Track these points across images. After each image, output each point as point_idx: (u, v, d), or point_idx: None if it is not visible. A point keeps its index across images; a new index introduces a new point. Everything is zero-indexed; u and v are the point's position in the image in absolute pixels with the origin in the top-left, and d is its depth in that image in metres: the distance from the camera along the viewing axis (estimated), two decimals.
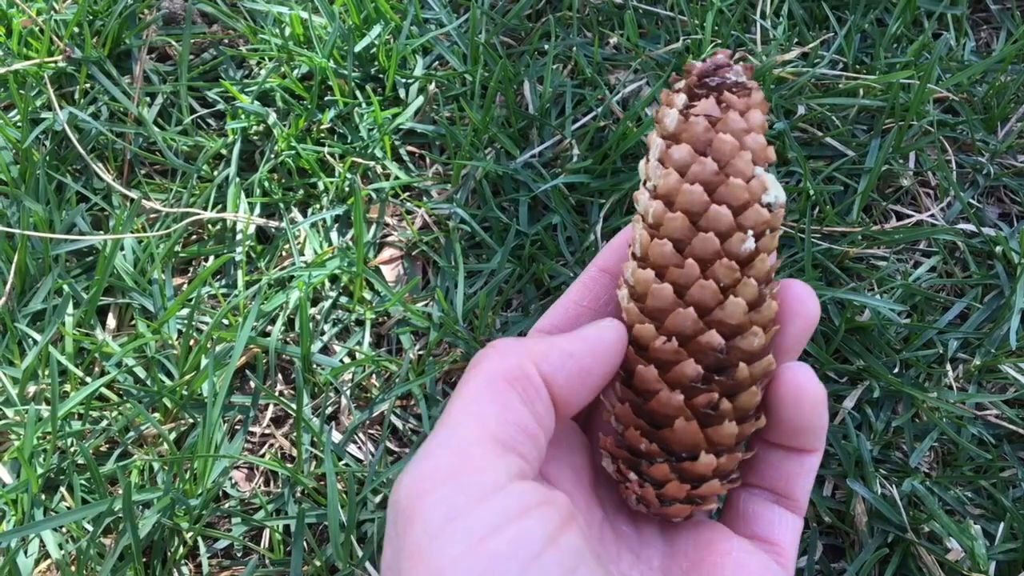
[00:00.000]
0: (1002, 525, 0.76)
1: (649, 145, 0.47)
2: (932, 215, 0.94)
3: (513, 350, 0.43)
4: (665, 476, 0.46)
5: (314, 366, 0.86)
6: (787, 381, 0.47)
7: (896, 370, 0.84)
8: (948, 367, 0.84)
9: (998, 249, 0.90)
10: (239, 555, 0.79)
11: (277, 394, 0.85)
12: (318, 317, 0.89)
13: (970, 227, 0.92)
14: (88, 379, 0.85)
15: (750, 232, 0.45)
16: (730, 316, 0.45)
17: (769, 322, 0.47)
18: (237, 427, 0.84)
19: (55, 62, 1.01)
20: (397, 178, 0.96)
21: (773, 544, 0.48)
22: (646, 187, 0.47)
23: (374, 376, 0.87)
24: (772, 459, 0.49)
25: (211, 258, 0.93)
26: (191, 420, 0.83)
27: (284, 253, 0.93)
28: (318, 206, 0.95)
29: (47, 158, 0.95)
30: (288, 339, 0.88)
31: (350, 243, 0.93)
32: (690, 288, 0.45)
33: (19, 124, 0.97)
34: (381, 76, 1.02)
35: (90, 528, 0.77)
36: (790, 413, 0.47)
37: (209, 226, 0.95)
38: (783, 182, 0.93)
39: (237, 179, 0.95)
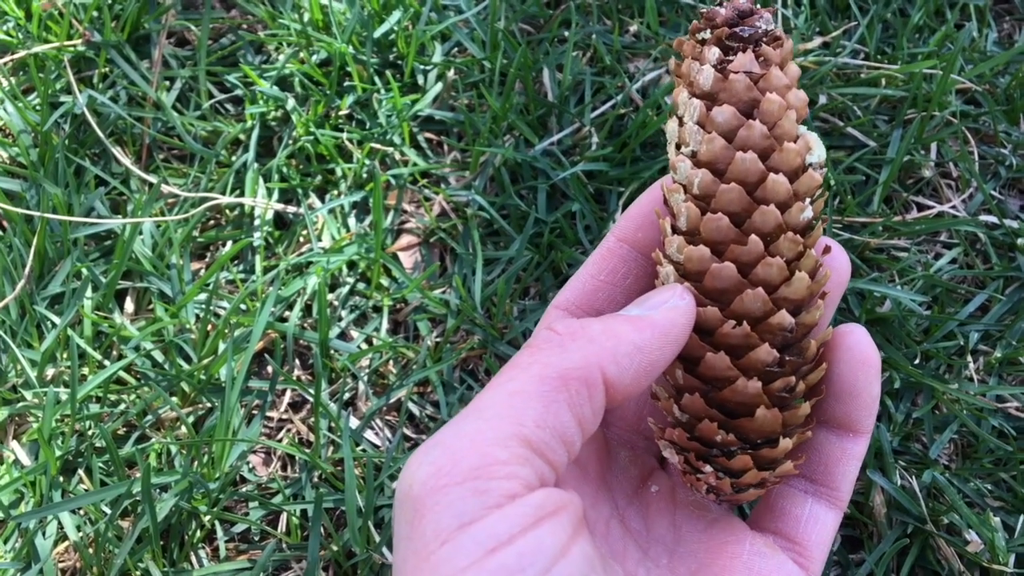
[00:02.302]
0: (1022, 517, 0.76)
1: (676, 104, 0.44)
2: (953, 206, 0.93)
3: (579, 347, 0.40)
4: (746, 466, 0.44)
5: (332, 352, 0.86)
6: (843, 342, 0.45)
7: (916, 361, 0.83)
8: (969, 359, 0.84)
9: (1020, 241, 0.89)
10: (256, 539, 0.80)
11: (295, 379, 0.85)
12: (336, 303, 0.89)
13: (992, 219, 0.91)
14: (106, 362, 0.85)
15: (808, 200, 0.43)
16: (795, 292, 0.43)
17: (822, 290, 0.45)
18: (255, 412, 0.84)
19: (74, 46, 1.01)
20: (415, 164, 0.96)
21: (796, 543, 0.46)
22: (682, 152, 0.44)
23: (391, 362, 0.87)
24: (812, 441, 0.47)
25: (229, 243, 0.93)
26: (209, 404, 0.84)
27: (302, 239, 0.93)
28: (336, 192, 0.95)
29: (66, 142, 0.95)
30: (306, 325, 0.88)
31: (368, 229, 0.93)
32: (756, 267, 0.42)
33: (39, 107, 0.98)
34: (400, 62, 1.02)
35: (108, 511, 0.77)
36: (845, 378, 0.45)
37: (227, 211, 0.95)
38: None
39: (255, 164, 0.95)
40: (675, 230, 0.45)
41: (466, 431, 0.37)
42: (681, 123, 0.44)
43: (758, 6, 0.44)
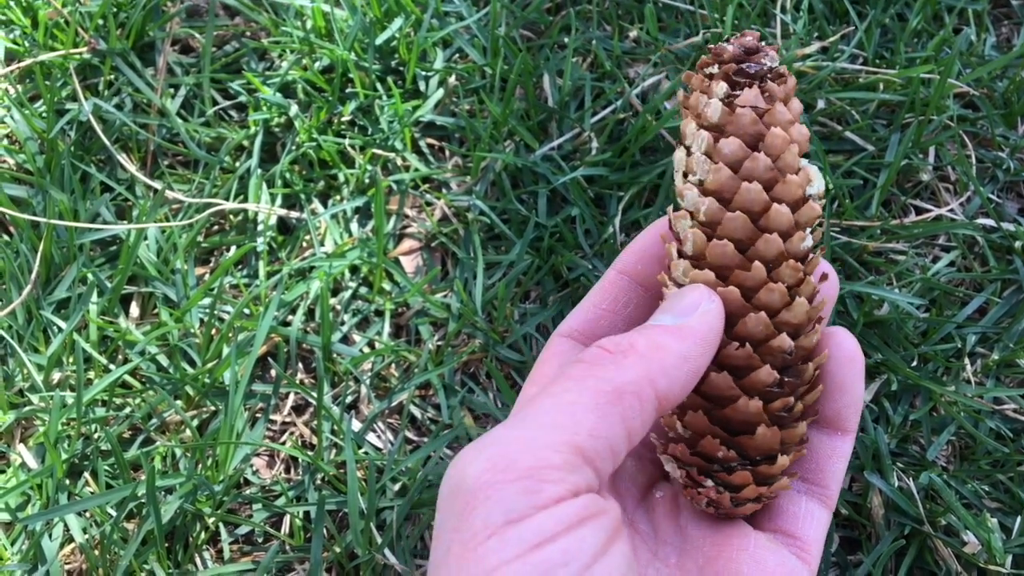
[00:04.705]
0: (1019, 519, 0.76)
1: (684, 135, 0.46)
2: (951, 210, 0.94)
3: (632, 364, 0.41)
4: (745, 481, 0.46)
5: (334, 355, 0.87)
6: (829, 342, 0.47)
7: (914, 364, 0.84)
8: (966, 361, 0.84)
9: (1017, 244, 0.90)
10: (260, 541, 0.80)
11: (298, 383, 0.86)
12: (338, 307, 0.90)
13: (989, 222, 0.92)
14: (112, 366, 0.86)
15: (808, 230, 0.45)
16: (795, 316, 0.45)
17: (819, 315, 0.47)
18: (258, 415, 0.85)
19: (80, 54, 1.02)
20: (417, 170, 0.96)
21: (796, 539, 0.48)
22: (689, 180, 0.46)
23: (393, 366, 0.87)
24: None
25: (233, 248, 0.94)
26: (213, 408, 0.84)
27: (305, 244, 0.94)
28: (338, 197, 0.96)
29: (72, 148, 0.96)
30: (308, 328, 0.89)
31: (370, 234, 0.94)
32: (758, 292, 0.45)
33: (45, 115, 0.99)
34: (402, 69, 1.03)
35: (113, 513, 0.78)
36: (833, 375, 0.47)
37: (231, 216, 0.96)
38: None
39: (259, 170, 0.96)
40: (681, 254, 0.47)
41: (523, 435, 0.39)
42: (689, 152, 0.46)
43: (763, 43, 0.46)
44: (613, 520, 0.39)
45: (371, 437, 0.84)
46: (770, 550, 0.47)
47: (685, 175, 0.47)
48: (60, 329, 0.87)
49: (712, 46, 0.46)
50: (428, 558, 0.78)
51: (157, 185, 0.95)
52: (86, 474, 0.82)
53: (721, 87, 0.45)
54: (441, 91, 1.00)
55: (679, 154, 0.47)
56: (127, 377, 0.85)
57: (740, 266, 0.45)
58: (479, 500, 0.37)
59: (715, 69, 0.46)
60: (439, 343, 0.88)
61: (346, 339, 0.89)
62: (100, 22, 1.04)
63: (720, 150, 0.44)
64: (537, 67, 1.00)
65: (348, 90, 1.01)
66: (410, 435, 0.85)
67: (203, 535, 0.79)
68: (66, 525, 0.78)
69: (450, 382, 0.86)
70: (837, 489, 0.49)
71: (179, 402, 0.85)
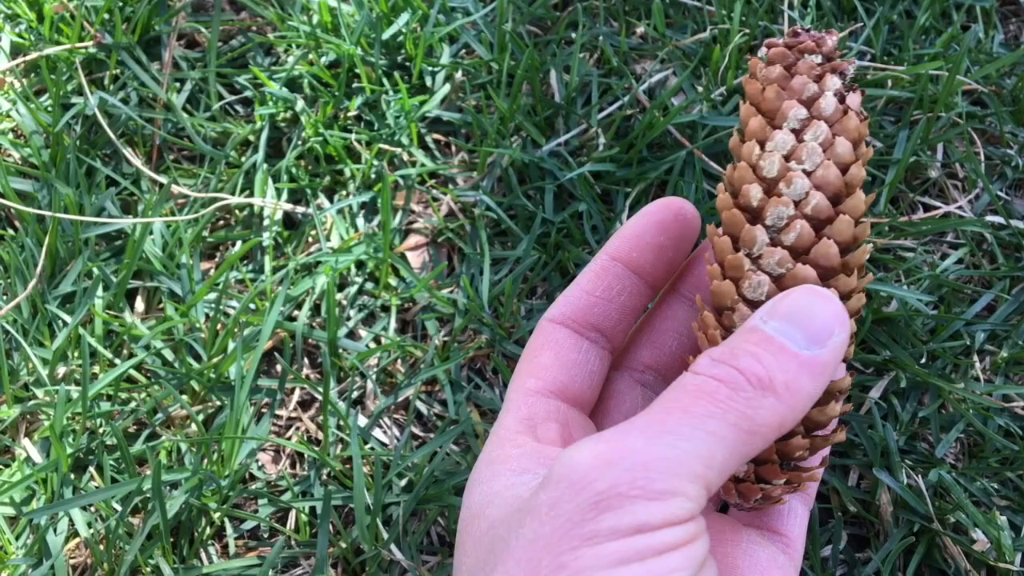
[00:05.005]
0: None
1: (782, 113, 0.45)
2: (960, 207, 0.93)
3: (771, 406, 0.41)
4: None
5: (340, 351, 0.87)
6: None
7: (923, 361, 0.84)
8: (975, 358, 0.84)
9: None
10: (265, 536, 0.80)
11: (304, 378, 0.86)
12: (344, 302, 0.90)
13: (998, 219, 0.92)
14: (117, 361, 0.86)
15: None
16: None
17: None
18: (264, 410, 0.85)
19: (86, 48, 1.02)
20: (423, 165, 0.96)
21: (781, 535, 0.49)
22: (790, 164, 0.45)
23: (399, 361, 0.87)
24: None
25: (238, 243, 0.94)
26: (219, 402, 0.84)
27: (311, 239, 0.94)
28: (345, 192, 0.96)
29: (77, 142, 0.96)
30: (314, 324, 0.89)
31: (376, 229, 0.93)
32: (849, 299, 0.46)
33: (50, 109, 0.98)
34: (408, 64, 1.03)
35: (119, 507, 0.78)
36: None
37: (237, 211, 0.96)
38: None
39: (265, 165, 0.96)
40: (776, 243, 0.45)
41: (664, 455, 0.39)
42: (800, 138, 0.45)
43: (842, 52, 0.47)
44: (708, 540, 0.41)
45: (377, 432, 0.84)
46: (760, 545, 0.48)
47: (787, 156, 0.45)
48: (65, 323, 0.87)
49: (809, 30, 0.46)
50: (437, 554, 0.78)
51: (163, 179, 0.95)
52: (91, 468, 0.81)
53: (835, 82, 0.45)
54: (448, 86, 1.00)
55: (781, 136, 0.45)
56: (132, 371, 0.85)
57: (840, 271, 0.45)
58: (613, 507, 0.38)
59: (818, 59, 0.45)
60: (445, 338, 0.88)
61: (352, 334, 0.89)
62: (106, 16, 1.03)
63: (835, 148, 0.44)
64: (544, 63, 0.99)
65: (354, 85, 1.01)
66: (416, 431, 0.84)
67: (208, 530, 0.79)
68: (71, 519, 0.78)
69: (456, 378, 0.85)
70: (814, 488, 0.51)
71: (184, 397, 0.84)
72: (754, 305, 0.44)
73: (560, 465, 0.39)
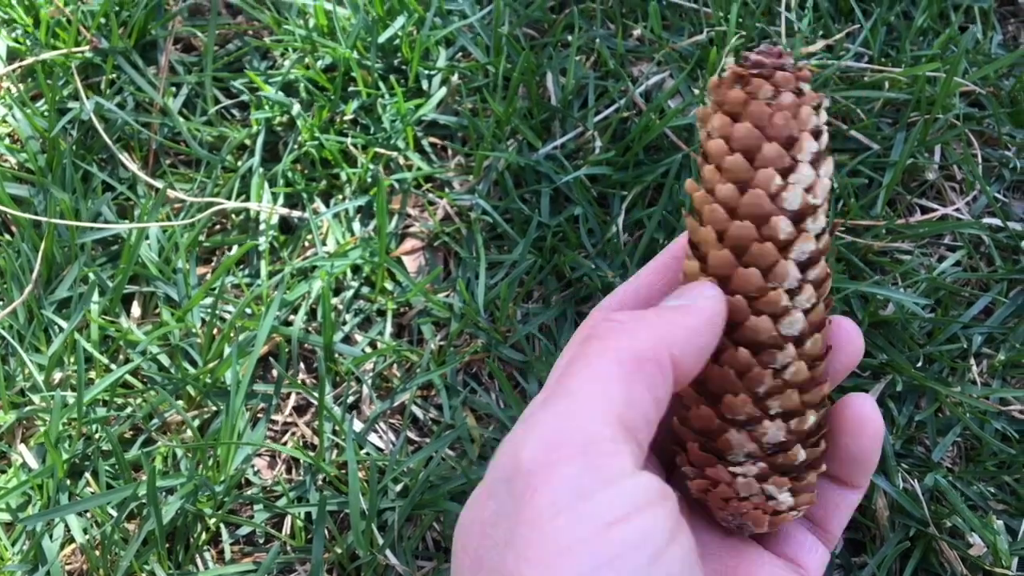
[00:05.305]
0: None
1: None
2: (957, 209, 0.93)
3: (644, 330, 0.41)
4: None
5: (336, 355, 0.87)
6: (850, 410, 0.47)
7: (919, 364, 0.83)
8: (972, 362, 0.84)
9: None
10: (261, 541, 0.80)
11: (299, 383, 0.86)
12: (340, 307, 0.89)
13: (996, 221, 0.91)
14: (113, 366, 0.86)
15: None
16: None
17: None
18: (260, 415, 0.85)
19: (82, 52, 1.02)
20: (419, 169, 0.96)
21: (800, 567, 0.48)
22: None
23: (395, 366, 0.87)
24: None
25: (235, 247, 0.94)
26: (214, 408, 0.84)
27: (307, 243, 0.94)
28: (341, 196, 0.96)
29: (74, 147, 0.96)
30: (310, 328, 0.89)
31: (372, 233, 0.93)
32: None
33: (46, 113, 0.99)
34: (404, 67, 1.03)
35: (114, 513, 0.78)
36: (848, 441, 0.46)
37: (233, 216, 0.96)
38: None
39: (261, 169, 0.96)
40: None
41: (565, 411, 0.38)
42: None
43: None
44: (675, 505, 0.38)
45: (373, 437, 0.84)
46: (781, 567, 0.47)
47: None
48: (61, 329, 0.87)
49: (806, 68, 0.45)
50: (433, 559, 0.78)
51: (159, 184, 0.95)
52: (87, 474, 0.81)
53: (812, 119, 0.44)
54: (444, 90, 1.00)
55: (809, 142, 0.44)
56: (128, 377, 0.85)
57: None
58: (541, 481, 0.36)
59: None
60: (441, 343, 0.88)
61: (348, 339, 0.89)
62: (102, 21, 1.03)
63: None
64: (540, 66, 0.99)
65: (350, 89, 1.01)
66: (412, 435, 0.84)
67: (204, 536, 0.79)
68: (67, 525, 0.78)
69: (452, 382, 0.85)
70: (839, 534, 0.50)
71: (180, 402, 0.84)
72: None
73: (492, 469, 0.39)
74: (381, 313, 0.90)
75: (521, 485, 0.36)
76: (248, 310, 0.88)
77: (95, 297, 0.88)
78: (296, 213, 0.95)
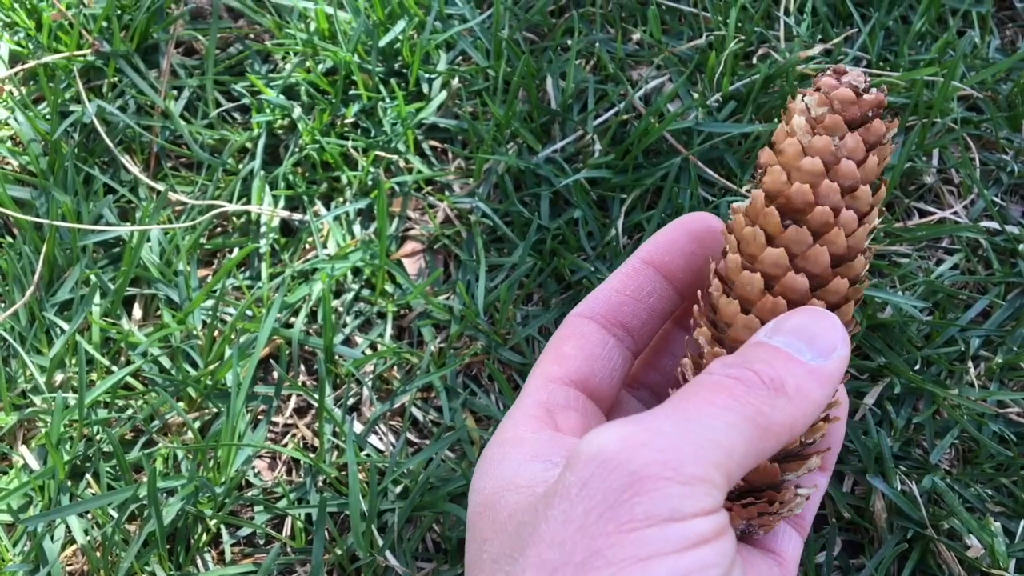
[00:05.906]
0: (1022, 523, 0.76)
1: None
2: (955, 213, 0.94)
3: (783, 406, 0.42)
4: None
5: (336, 357, 0.87)
6: None
7: (917, 367, 0.84)
8: (970, 364, 0.84)
9: (1021, 247, 0.90)
10: (261, 543, 0.80)
11: (300, 385, 0.86)
12: (340, 309, 0.90)
13: (993, 225, 0.92)
14: (114, 368, 0.86)
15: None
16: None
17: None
18: (260, 417, 0.85)
19: (84, 56, 1.02)
20: (420, 172, 0.96)
21: (777, 554, 0.49)
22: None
23: (395, 368, 0.87)
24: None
25: (235, 250, 0.94)
26: (215, 409, 0.85)
27: (307, 246, 0.94)
28: (341, 199, 0.96)
29: (75, 150, 0.97)
30: (311, 330, 0.89)
31: (373, 236, 0.94)
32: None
33: (48, 116, 0.99)
34: (405, 71, 1.03)
35: (115, 514, 0.78)
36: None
37: (234, 218, 0.96)
38: None
39: (262, 172, 0.96)
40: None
41: (691, 440, 0.39)
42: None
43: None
44: (734, 537, 0.41)
45: (373, 439, 0.84)
46: (759, 556, 0.48)
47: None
48: (63, 331, 0.87)
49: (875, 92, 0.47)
50: (433, 561, 0.78)
51: (160, 187, 0.95)
52: (88, 475, 0.82)
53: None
54: (444, 93, 1.00)
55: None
56: (129, 379, 0.86)
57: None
58: (647, 490, 0.38)
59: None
60: (441, 345, 0.88)
61: (348, 341, 0.89)
62: (104, 24, 1.04)
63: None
64: (540, 69, 1.00)
65: (351, 92, 1.01)
66: (412, 437, 0.85)
67: (204, 537, 0.79)
68: (68, 526, 0.78)
69: (452, 384, 0.86)
70: (810, 520, 0.52)
71: (181, 404, 0.85)
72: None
73: (588, 446, 0.39)
74: (381, 315, 0.90)
75: (624, 482, 0.38)
76: (249, 312, 0.89)
77: (96, 299, 0.88)
78: (297, 216, 0.95)
